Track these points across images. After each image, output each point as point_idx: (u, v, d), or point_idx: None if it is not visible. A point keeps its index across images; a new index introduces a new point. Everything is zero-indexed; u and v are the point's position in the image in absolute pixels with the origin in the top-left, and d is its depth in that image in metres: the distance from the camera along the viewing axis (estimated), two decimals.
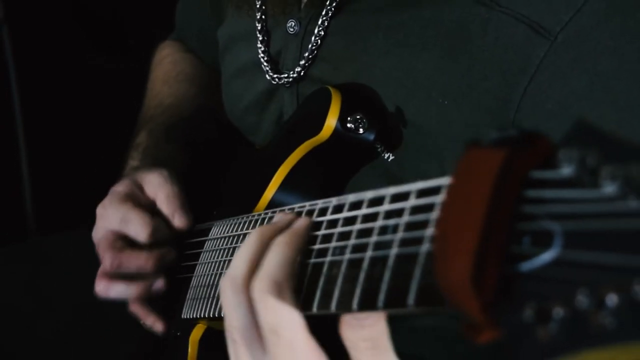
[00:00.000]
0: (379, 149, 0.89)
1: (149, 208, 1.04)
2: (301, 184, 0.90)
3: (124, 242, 1.03)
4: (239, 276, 0.63)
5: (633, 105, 0.75)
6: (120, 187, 1.04)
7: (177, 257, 1.06)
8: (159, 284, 1.04)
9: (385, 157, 0.89)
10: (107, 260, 1.01)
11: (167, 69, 1.36)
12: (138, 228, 1.01)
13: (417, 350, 0.99)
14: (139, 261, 1.01)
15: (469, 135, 0.84)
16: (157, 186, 1.04)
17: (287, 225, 0.68)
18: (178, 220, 1.04)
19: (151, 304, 1.10)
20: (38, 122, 1.95)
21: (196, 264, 1.02)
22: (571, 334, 0.36)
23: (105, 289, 1.02)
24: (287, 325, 0.58)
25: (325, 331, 0.62)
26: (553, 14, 0.78)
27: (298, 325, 0.58)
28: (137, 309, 1.08)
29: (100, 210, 1.04)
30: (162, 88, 1.32)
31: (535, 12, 0.79)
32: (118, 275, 1.02)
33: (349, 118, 0.88)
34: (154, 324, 1.08)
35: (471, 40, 0.82)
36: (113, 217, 1.02)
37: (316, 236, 0.64)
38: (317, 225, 0.65)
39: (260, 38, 1.05)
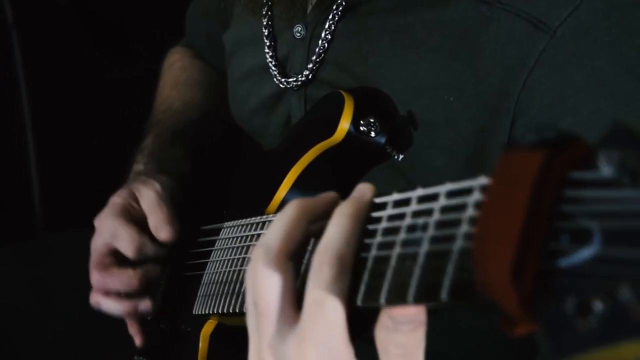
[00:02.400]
0: (390, 151, 0.89)
1: (141, 222, 1.06)
2: (313, 185, 0.91)
3: (114, 257, 1.05)
4: (274, 247, 0.58)
5: (629, 99, 0.77)
6: (117, 199, 1.06)
7: (160, 273, 1.08)
8: (145, 304, 1.06)
9: (396, 157, 0.90)
10: (93, 278, 1.05)
11: (176, 74, 1.36)
12: (126, 244, 1.03)
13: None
14: (122, 279, 1.04)
15: (476, 131, 0.86)
16: (149, 202, 1.06)
17: (331, 203, 0.61)
18: (163, 233, 1.05)
19: (163, 301, 1.11)
20: (46, 123, 1.95)
21: (207, 262, 1.02)
22: (612, 327, 0.36)
23: (96, 303, 1.06)
24: (334, 304, 0.54)
25: None
26: (553, 9, 0.79)
27: (342, 311, 0.54)
28: (129, 324, 1.12)
29: (97, 222, 1.06)
30: (170, 92, 1.32)
31: (535, 8, 0.80)
32: (109, 292, 1.05)
33: (361, 121, 0.88)
34: (135, 335, 1.12)
35: (474, 38, 0.83)
36: (106, 231, 1.04)
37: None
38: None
39: (268, 43, 1.05)
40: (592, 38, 0.77)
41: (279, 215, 0.60)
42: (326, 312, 0.54)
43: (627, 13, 0.79)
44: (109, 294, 1.05)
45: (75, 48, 2.01)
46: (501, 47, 0.81)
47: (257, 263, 0.58)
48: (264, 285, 0.57)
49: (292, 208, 0.60)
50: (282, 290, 0.57)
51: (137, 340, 1.11)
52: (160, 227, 1.04)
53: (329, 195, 0.62)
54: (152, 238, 1.05)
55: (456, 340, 1.02)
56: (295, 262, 0.59)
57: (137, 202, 1.06)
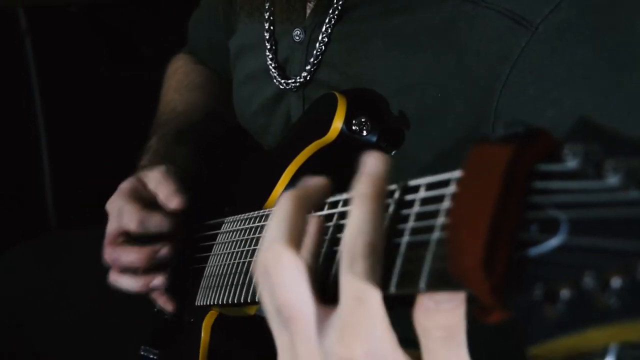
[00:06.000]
0: (383, 147, 0.89)
1: (149, 202, 1.05)
2: None
3: (126, 237, 1.05)
4: (279, 241, 0.52)
5: (609, 91, 0.76)
6: (125, 184, 1.07)
7: (175, 252, 1.07)
8: (158, 280, 1.06)
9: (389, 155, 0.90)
10: (106, 254, 1.05)
11: (180, 78, 1.37)
12: (129, 219, 1.03)
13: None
14: (130, 256, 1.04)
15: (462, 127, 0.85)
16: (156, 180, 1.06)
17: (322, 187, 0.56)
18: (172, 203, 1.04)
19: (168, 293, 1.11)
20: (59, 125, 1.97)
21: (209, 255, 1.02)
22: (578, 313, 0.36)
23: (114, 280, 1.06)
24: (375, 296, 0.48)
25: None
26: (534, 7, 0.79)
27: (381, 300, 0.49)
28: (156, 297, 1.11)
29: (108, 205, 1.06)
30: (174, 96, 1.33)
31: (517, 6, 0.80)
32: (125, 269, 1.05)
33: (354, 121, 0.89)
34: (165, 304, 1.10)
35: (460, 37, 0.83)
36: (114, 211, 1.05)
37: (328, 227, 0.63)
38: (329, 218, 0.64)
39: (269, 46, 1.06)
40: (573, 33, 0.77)
41: (273, 211, 0.55)
42: (368, 305, 0.48)
43: (607, 10, 0.78)
44: (123, 271, 1.05)
45: (86, 53, 2.02)
46: (485, 45, 0.81)
47: (268, 262, 0.52)
48: (283, 284, 0.51)
49: (285, 200, 0.55)
50: (304, 283, 0.51)
51: (169, 307, 1.09)
52: (169, 198, 1.04)
53: (317, 180, 0.57)
54: (164, 215, 1.05)
55: None
56: (309, 254, 0.54)
57: (144, 186, 1.07)
